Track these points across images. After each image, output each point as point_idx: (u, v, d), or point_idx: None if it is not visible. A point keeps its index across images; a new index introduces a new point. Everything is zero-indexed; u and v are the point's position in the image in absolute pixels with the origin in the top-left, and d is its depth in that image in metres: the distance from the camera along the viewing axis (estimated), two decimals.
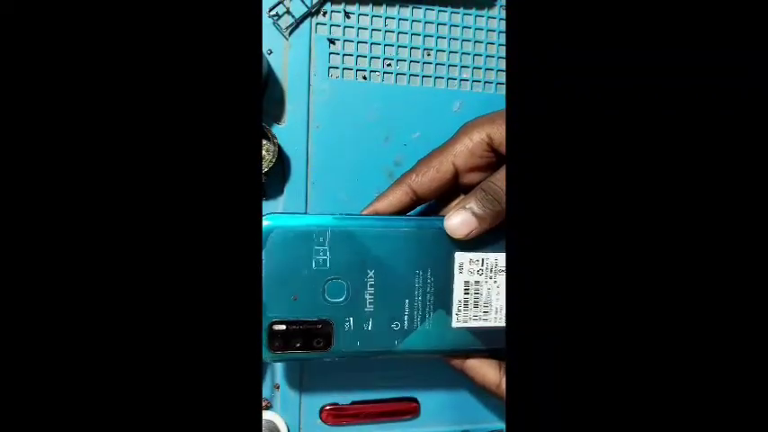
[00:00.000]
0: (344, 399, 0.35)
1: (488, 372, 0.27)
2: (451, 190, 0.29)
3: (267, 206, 0.33)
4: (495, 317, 0.27)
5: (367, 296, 0.26)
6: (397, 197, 0.28)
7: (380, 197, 0.28)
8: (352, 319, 0.26)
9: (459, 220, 0.26)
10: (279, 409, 0.34)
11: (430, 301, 0.27)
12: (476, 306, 0.27)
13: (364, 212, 0.28)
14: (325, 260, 0.25)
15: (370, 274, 0.26)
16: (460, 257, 0.27)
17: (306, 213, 0.27)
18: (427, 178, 0.28)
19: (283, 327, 0.25)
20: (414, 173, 0.28)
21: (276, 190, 0.33)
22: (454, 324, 0.27)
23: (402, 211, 0.28)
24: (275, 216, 0.25)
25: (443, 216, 0.27)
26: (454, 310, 0.27)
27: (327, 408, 0.35)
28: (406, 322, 0.26)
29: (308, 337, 0.26)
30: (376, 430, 0.35)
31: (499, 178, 0.26)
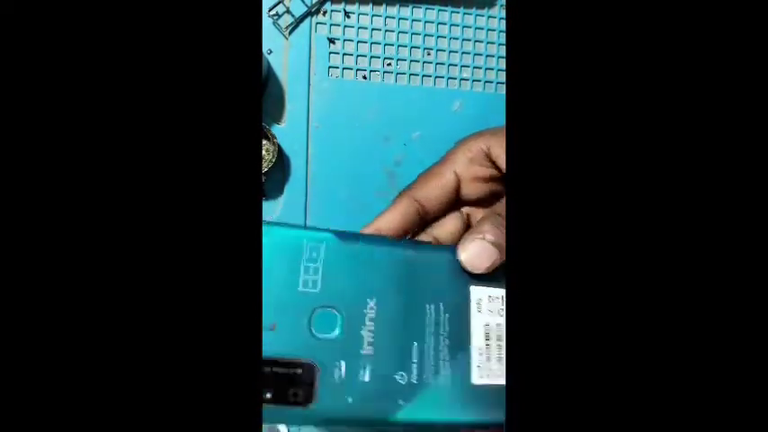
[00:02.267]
0: None
1: None
2: (452, 204, 0.27)
3: (267, 206, 0.33)
4: None
5: (365, 333, 0.20)
6: (401, 210, 0.25)
7: (382, 214, 0.25)
8: (344, 363, 0.19)
9: (476, 251, 0.22)
10: None
11: (444, 346, 0.20)
12: (499, 358, 0.21)
13: (365, 231, 0.24)
14: (315, 281, 0.20)
15: (371, 304, 0.20)
16: (477, 293, 0.21)
17: (301, 226, 0.22)
18: (431, 188, 0.25)
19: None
20: (415, 186, 0.26)
21: (276, 190, 0.33)
22: (475, 380, 0.20)
23: (408, 228, 0.25)
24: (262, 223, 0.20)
25: (454, 246, 0.22)
26: (474, 362, 0.20)
27: None
28: (414, 374, 0.20)
29: (283, 384, 0.18)
30: None
31: None
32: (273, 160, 0.31)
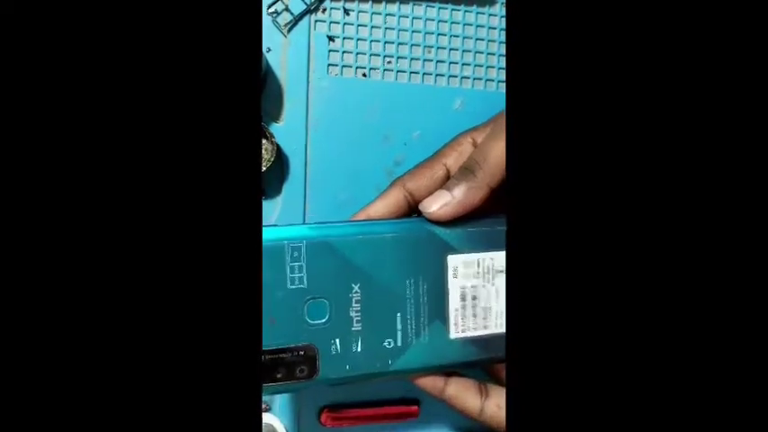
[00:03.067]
0: (343, 401, 0.35)
1: (468, 399, 0.25)
2: None
3: (266, 206, 0.33)
4: (496, 323, 0.25)
5: (353, 314, 0.23)
6: (392, 198, 0.27)
7: (373, 201, 0.27)
8: (338, 341, 0.23)
9: (433, 198, 0.25)
10: (278, 411, 0.34)
11: (424, 312, 0.24)
12: (474, 314, 0.25)
13: (356, 217, 0.26)
14: (301, 278, 0.22)
15: (356, 288, 0.23)
16: (454, 261, 0.24)
17: (276, 225, 0.23)
18: (421, 178, 0.27)
19: (261, 357, 0.22)
20: (407, 176, 0.28)
21: (274, 190, 0.33)
22: (452, 335, 0.24)
23: (397, 215, 0.27)
24: None
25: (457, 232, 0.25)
26: (451, 320, 0.24)
27: (326, 410, 0.34)
28: (399, 339, 0.23)
29: (291, 365, 0.22)
30: None
31: (475, 151, 0.25)
32: (272, 159, 0.30)
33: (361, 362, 0.23)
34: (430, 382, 0.25)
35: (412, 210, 0.27)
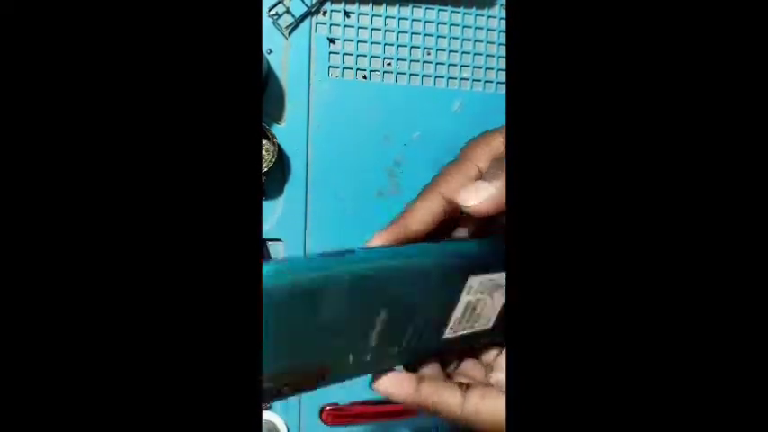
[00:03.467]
0: (344, 399, 0.35)
1: (446, 394, 0.23)
2: None
3: (267, 206, 0.33)
4: (482, 323, 0.26)
5: (373, 335, 0.22)
6: (431, 210, 0.24)
7: (410, 212, 0.25)
8: (351, 356, 0.22)
9: (474, 191, 0.23)
10: (278, 409, 0.34)
11: (430, 323, 0.24)
12: (468, 319, 0.25)
13: (393, 230, 0.24)
14: (330, 319, 0.21)
15: (382, 315, 0.22)
16: (472, 281, 0.24)
17: (304, 258, 0.22)
18: (454, 181, 0.25)
19: (271, 384, 0.21)
20: (443, 180, 0.25)
21: (276, 190, 0.33)
22: (445, 336, 0.25)
23: (437, 225, 0.25)
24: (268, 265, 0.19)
25: (458, 239, 0.25)
26: (449, 326, 0.25)
27: (327, 408, 0.35)
28: (404, 344, 0.24)
29: (299, 383, 0.22)
30: (376, 430, 0.35)
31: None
32: (273, 160, 0.31)
33: (369, 368, 0.23)
34: (398, 384, 0.24)
35: (448, 216, 0.25)
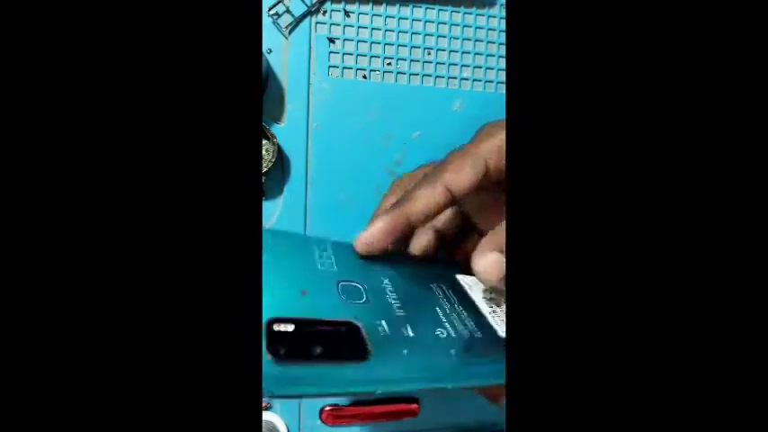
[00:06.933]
0: (344, 399, 0.35)
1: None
2: (484, 188, 0.26)
3: (267, 206, 0.33)
4: None
5: (391, 300, 0.20)
6: (434, 199, 0.24)
7: (412, 199, 0.24)
8: (384, 322, 0.19)
9: (491, 260, 0.22)
10: (278, 409, 0.34)
11: (461, 311, 0.22)
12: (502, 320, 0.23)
13: (394, 217, 0.24)
14: (330, 263, 0.20)
15: (386, 281, 0.21)
16: (463, 279, 0.25)
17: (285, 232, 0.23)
18: (463, 178, 0.24)
19: (290, 327, 0.17)
20: (447, 171, 0.25)
21: (276, 190, 0.33)
22: (501, 334, 0.22)
23: (436, 213, 0.25)
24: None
25: (456, 267, 0.26)
26: (492, 322, 0.22)
27: (327, 408, 0.35)
28: (451, 331, 0.20)
29: (330, 341, 0.17)
30: (376, 431, 0.35)
31: None
32: (273, 160, 0.31)
33: (418, 347, 0.19)
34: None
35: (448, 206, 0.25)
